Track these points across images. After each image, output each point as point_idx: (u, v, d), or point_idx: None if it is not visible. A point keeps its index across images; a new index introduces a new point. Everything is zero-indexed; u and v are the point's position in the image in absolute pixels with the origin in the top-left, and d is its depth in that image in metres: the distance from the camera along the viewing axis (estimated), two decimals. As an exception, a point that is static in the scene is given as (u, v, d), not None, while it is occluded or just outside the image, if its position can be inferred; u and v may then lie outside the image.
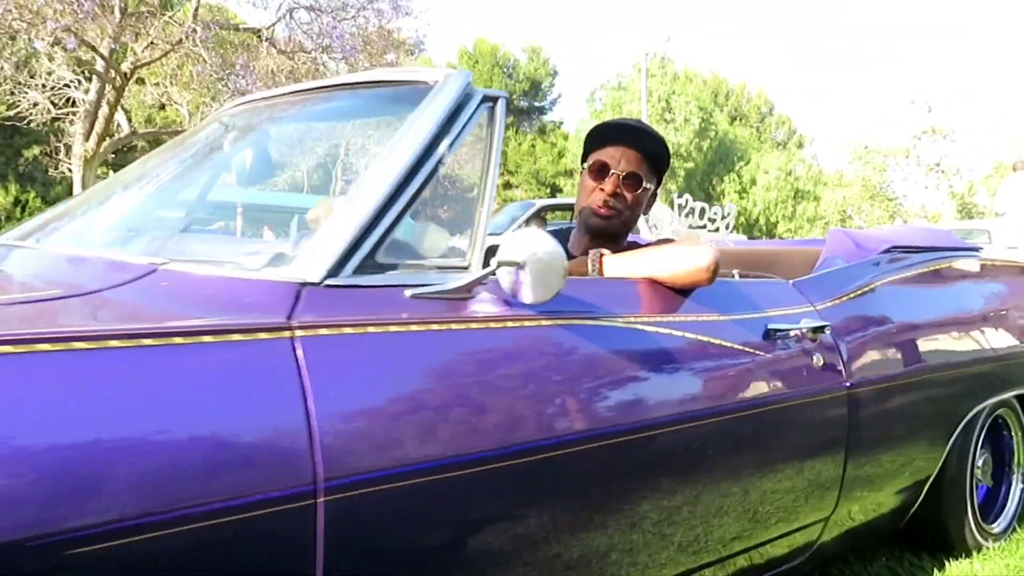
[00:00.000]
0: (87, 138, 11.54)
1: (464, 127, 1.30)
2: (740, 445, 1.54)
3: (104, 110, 11.55)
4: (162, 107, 16.26)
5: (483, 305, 1.24)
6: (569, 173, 30.84)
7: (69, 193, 13.61)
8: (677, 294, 1.54)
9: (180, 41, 11.00)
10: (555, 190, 29.56)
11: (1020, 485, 2.46)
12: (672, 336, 1.46)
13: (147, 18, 11.16)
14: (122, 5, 10.67)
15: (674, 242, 1.72)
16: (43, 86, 12.11)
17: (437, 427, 1.09)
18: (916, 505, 2.10)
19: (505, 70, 33.67)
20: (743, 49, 67.39)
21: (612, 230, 1.79)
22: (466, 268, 1.24)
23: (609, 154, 1.77)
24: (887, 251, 2.15)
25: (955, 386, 2.13)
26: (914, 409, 1.99)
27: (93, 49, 10.82)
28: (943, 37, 66.00)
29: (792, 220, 30.86)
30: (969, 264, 2.42)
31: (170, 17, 11.33)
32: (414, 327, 1.15)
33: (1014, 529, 2.41)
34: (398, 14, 13.00)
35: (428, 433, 1.08)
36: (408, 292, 1.18)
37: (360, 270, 1.15)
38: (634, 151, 1.77)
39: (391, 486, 1.01)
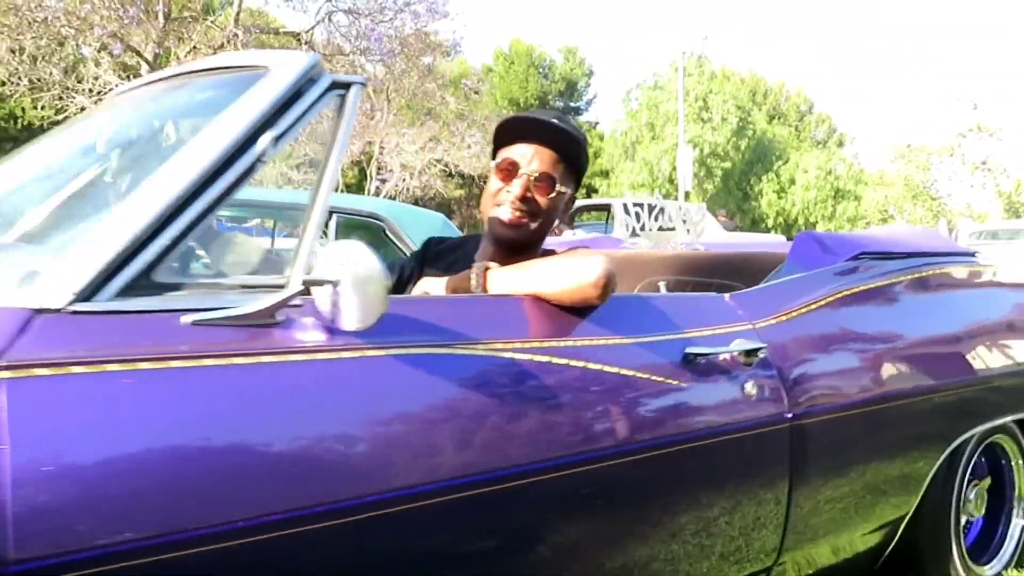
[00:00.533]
0: (132, 141, 11.80)
1: (301, 118, 1.08)
2: (639, 493, 1.30)
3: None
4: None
5: (293, 333, 1.01)
6: (605, 173, 30.74)
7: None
8: (570, 314, 1.29)
9: (222, 45, 11.21)
10: (590, 191, 29.48)
11: (1020, 521, 2.13)
12: (552, 365, 1.21)
13: (190, 23, 11.41)
14: (166, 11, 10.91)
15: (570, 253, 1.48)
16: (89, 91, 12.43)
17: (174, 495, 0.86)
18: (891, 546, 1.86)
19: (541, 71, 33.67)
20: (781, 49, 66.67)
21: (521, 240, 1.54)
22: (282, 287, 0.99)
23: (520, 152, 1.53)
24: (856, 257, 1.86)
25: (936, 412, 1.84)
26: (881, 440, 1.72)
27: (138, 54, 11.09)
28: (987, 38, 64.52)
29: (832, 220, 30.38)
30: (964, 272, 2.13)
31: (212, 22, 11.55)
32: (177, 363, 0.91)
33: (1009, 571, 2.09)
34: (435, 16, 13.12)
35: (153, 504, 0.85)
36: (186, 319, 0.95)
37: (128, 292, 0.93)
38: (549, 150, 1.53)
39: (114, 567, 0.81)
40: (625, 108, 31.02)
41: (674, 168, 17.98)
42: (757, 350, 1.48)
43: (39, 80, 11.67)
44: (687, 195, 16.48)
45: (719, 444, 1.40)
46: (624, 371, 1.29)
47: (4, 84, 11.78)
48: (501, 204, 1.52)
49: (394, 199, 13.17)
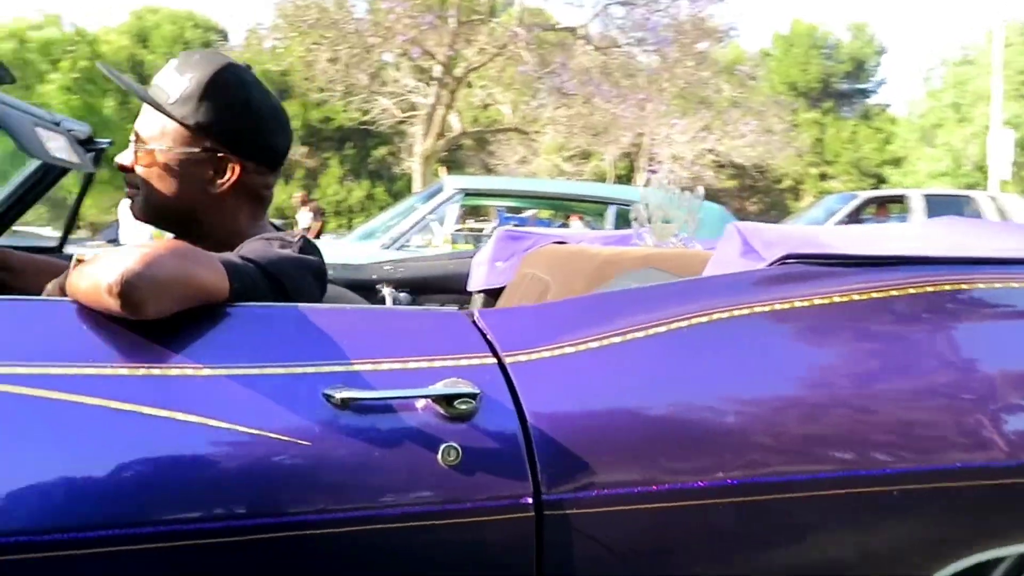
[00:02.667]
0: (425, 138, 12.90)
1: None
2: None
3: (440, 112, 12.81)
4: (486, 107, 17.65)
5: None
6: (897, 162, 27.87)
7: (409, 188, 15.34)
8: (134, 329, 0.88)
9: (505, 45, 11.81)
10: (880, 180, 26.90)
11: None
12: (57, 403, 0.83)
13: (478, 25, 12.16)
14: (457, 15, 11.73)
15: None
16: (391, 93, 13.79)
17: None
18: None
19: (824, 52, 31.36)
20: None
21: (148, 219, 1.20)
22: None
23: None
24: (780, 261, 1.20)
25: (884, 513, 1.06)
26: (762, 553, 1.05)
27: (432, 57, 12.05)
28: None
29: None
30: (990, 292, 1.24)
31: (497, 23, 12.21)
32: None
33: None
34: (711, 1, 12.72)
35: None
36: None
37: None
38: (145, 103, 1.16)
39: None
40: (926, 88, 27.83)
41: (986, 154, 15.77)
42: (469, 396, 0.93)
43: (351, 86, 13.17)
44: (1003, 185, 14.36)
45: (372, 534, 0.90)
46: (193, 418, 0.86)
47: (323, 90, 13.45)
48: None
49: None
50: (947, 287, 1.19)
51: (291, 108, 24.46)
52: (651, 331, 1.05)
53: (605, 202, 5.01)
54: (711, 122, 17.24)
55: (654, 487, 0.98)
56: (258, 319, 0.98)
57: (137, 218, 1.21)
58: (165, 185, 1.14)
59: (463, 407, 0.94)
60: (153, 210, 1.17)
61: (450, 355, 0.98)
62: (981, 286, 1.23)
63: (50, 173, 1.83)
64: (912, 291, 1.18)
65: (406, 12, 11.21)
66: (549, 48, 12.94)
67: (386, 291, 1.91)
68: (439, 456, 0.91)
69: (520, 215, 10.71)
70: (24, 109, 1.67)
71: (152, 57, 24.67)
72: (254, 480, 0.87)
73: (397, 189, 22.51)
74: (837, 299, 1.13)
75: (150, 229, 8.74)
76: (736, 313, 1.09)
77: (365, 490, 0.91)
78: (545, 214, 11.22)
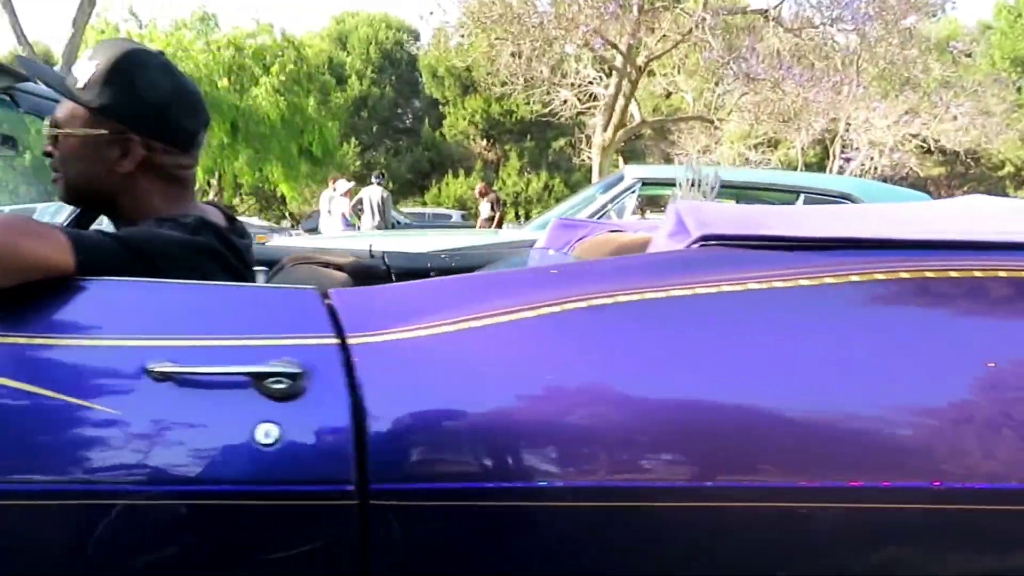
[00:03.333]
0: (605, 129, 12.82)
1: None
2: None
3: (620, 102, 12.68)
4: (668, 95, 17.26)
5: None
6: None
7: (588, 180, 15.34)
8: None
9: (690, 31, 11.47)
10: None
11: None
12: None
13: (660, 12, 11.88)
14: (640, 3, 11.52)
15: None
16: (571, 84, 13.83)
17: None
18: None
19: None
20: None
21: (70, 200, 1.27)
22: None
23: None
24: (698, 243, 1.06)
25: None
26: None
27: (614, 47, 11.93)
28: None
29: None
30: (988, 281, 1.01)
31: (681, 9, 11.87)
32: None
33: None
34: (922, -29, 11.65)
35: None
36: None
37: None
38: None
39: None
40: None
41: None
42: (289, 376, 0.90)
43: (532, 78, 13.35)
44: None
45: (185, 507, 0.90)
46: (26, 386, 0.88)
47: (505, 84, 13.73)
48: None
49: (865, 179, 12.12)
50: (904, 274, 0.98)
51: (474, 103, 25.24)
52: (516, 316, 0.95)
53: (792, 191, 4.72)
54: (917, 104, 15.82)
55: (489, 484, 0.90)
56: (97, 293, 0.97)
57: (61, 199, 1.27)
58: (78, 167, 1.19)
59: (282, 387, 0.90)
60: (72, 192, 1.22)
61: (289, 334, 0.94)
62: (953, 275, 0.99)
63: None
64: (855, 278, 0.98)
65: (588, 3, 11.16)
66: (736, 32, 12.41)
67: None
68: (255, 435, 0.88)
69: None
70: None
71: (349, 58, 26.37)
72: (72, 447, 0.88)
73: (575, 180, 22.60)
74: (753, 286, 0.97)
75: (340, 219, 9.36)
76: (621, 299, 0.96)
77: (178, 463, 0.89)
78: (728, 204, 10.82)
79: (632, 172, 4.81)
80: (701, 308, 0.97)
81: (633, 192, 4.81)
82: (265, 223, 18.86)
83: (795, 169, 17.32)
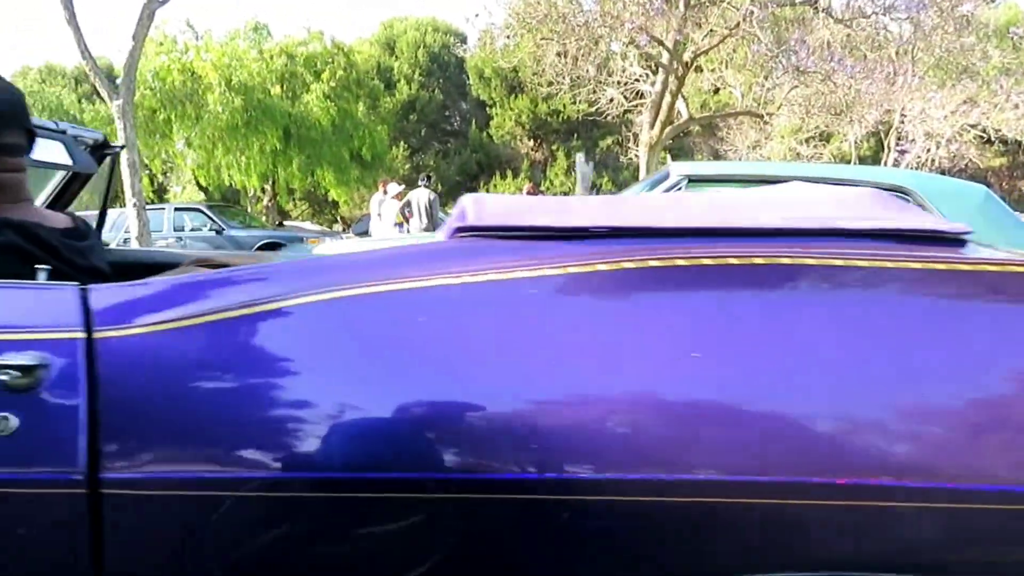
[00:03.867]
0: (652, 126, 12.75)
1: None
2: None
3: (667, 99, 12.60)
4: (716, 91, 17.08)
5: None
6: None
7: (635, 178, 15.28)
8: None
9: (737, 25, 11.34)
10: None
11: None
12: None
13: (707, 7, 11.78)
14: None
15: None
16: (618, 83, 13.79)
17: None
18: None
19: None
20: None
21: None
22: None
23: None
24: (456, 234, 1.08)
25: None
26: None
27: (660, 43, 11.87)
28: None
29: None
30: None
31: (728, 3, 11.75)
32: None
33: None
34: (978, -44, 11.32)
35: None
36: None
37: None
38: None
39: None
40: None
41: None
42: (26, 368, 0.93)
43: (578, 78, 13.35)
44: None
45: None
46: None
47: (551, 84, 13.77)
48: None
49: (919, 172, 11.83)
50: (653, 262, 0.97)
51: (520, 103, 25.30)
52: (258, 309, 0.97)
53: (844, 184, 4.67)
54: (976, 93, 15.35)
55: (221, 473, 0.93)
56: None
57: None
58: None
59: (16, 379, 0.93)
60: None
61: (36, 328, 0.98)
62: (706, 262, 0.97)
63: (76, 178, 2.08)
64: (603, 267, 0.97)
65: (634, 0, 11.13)
66: (785, 24, 12.22)
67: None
68: None
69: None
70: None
71: (397, 63, 26.68)
72: None
73: (623, 179, 22.50)
74: (495, 276, 0.98)
75: (390, 222, 9.49)
76: (365, 290, 0.97)
77: None
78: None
79: (678, 169, 4.81)
80: (440, 298, 0.98)
81: (679, 188, 4.82)
82: (317, 227, 19.24)
83: (849, 163, 16.98)
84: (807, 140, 18.21)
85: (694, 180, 4.93)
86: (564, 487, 0.91)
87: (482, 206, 1.14)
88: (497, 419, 0.92)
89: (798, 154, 17.98)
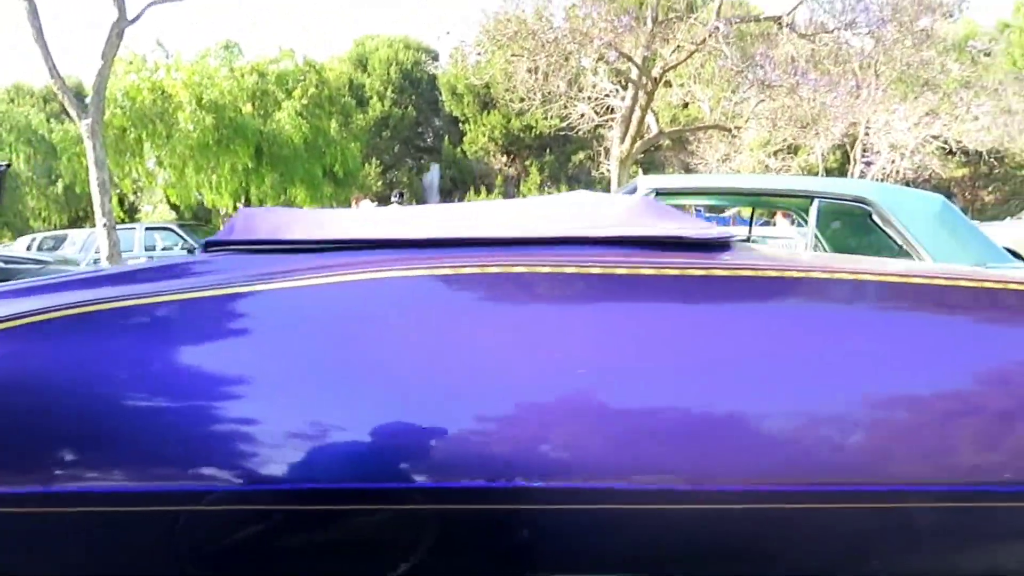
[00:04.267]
0: (622, 140, 12.91)
1: None
2: None
3: (637, 114, 12.77)
4: (685, 105, 17.33)
5: None
6: None
7: (607, 191, 15.42)
8: None
9: (703, 41, 11.55)
10: None
11: None
12: None
13: (675, 23, 11.99)
14: (654, 15, 11.64)
15: None
16: (588, 98, 13.95)
17: None
18: None
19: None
20: None
21: None
22: None
23: None
24: (207, 248, 1.17)
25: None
26: None
27: (629, 59, 12.05)
28: None
29: None
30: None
31: (695, 19, 11.97)
32: None
33: None
34: (935, -27, 11.64)
35: None
36: None
37: None
38: None
39: None
40: None
41: None
42: None
43: (549, 93, 13.49)
44: None
45: None
46: None
47: (523, 100, 13.89)
48: None
49: (882, 183, 12.10)
50: (373, 274, 0.99)
51: (493, 119, 25.44)
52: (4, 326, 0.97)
53: (809, 196, 4.78)
54: (937, 106, 15.73)
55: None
56: None
57: None
58: None
59: None
60: None
61: None
62: (445, 272, 1.00)
63: None
64: (355, 276, 0.99)
65: (603, 16, 11.30)
66: (751, 40, 12.47)
67: None
68: None
69: (721, 215, 10.38)
70: None
71: (370, 80, 26.73)
72: None
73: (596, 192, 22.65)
74: (235, 290, 0.99)
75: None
76: (104, 307, 0.99)
77: None
78: (748, 212, 10.81)
79: (646, 183, 4.90)
80: (186, 310, 0.99)
81: (648, 201, 4.91)
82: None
83: (816, 175, 17.29)
84: (775, 153, 18.51)
85: (662, 193, 5.03)
86: (252, 497, 0.91)
87: (250, 221, 1.18)
88: (224, 430, 0.93)
89: (767, 167, 18.27)
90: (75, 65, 33.47)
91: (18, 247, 12.28)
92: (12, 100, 20.66)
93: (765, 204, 7.83)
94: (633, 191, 4.96)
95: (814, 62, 12.13)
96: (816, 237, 4.26)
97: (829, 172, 19.19)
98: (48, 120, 18.56)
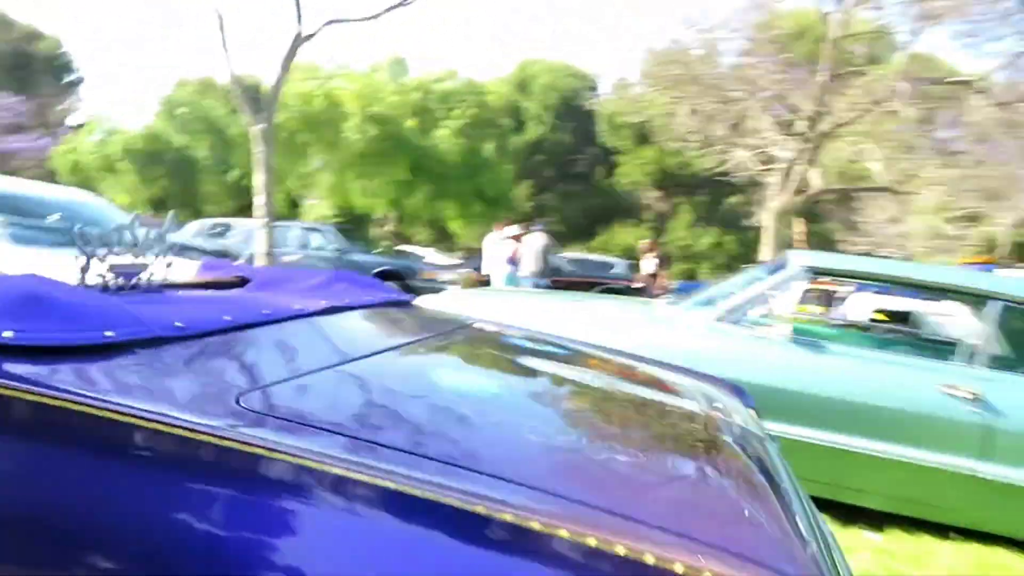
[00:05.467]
0: (781, 192, 12.30)
1: None
2: None
3: (799, 168, 12.13)
4: (853, 161, 16.33)
5: None
6: None
7: (757, 240, 14.77)
8: None
9: (880, 101, 10.81)
10: None
11: None
12: None
13: (850, 78, 11.29)
14: (830, 68, 11.01)
15: None
16: (749, 145, 13.41)
17: None
18: None
19: None
20: None
21: None
22: None
23: None
24: None
25: None
26: None
27: (796, 112, 11.47)
28: None
29: None
30: None
31: (875, 75, 11.23)
32: None
33: None
34: None
35: None
36: None
37: None
38: None
39: None
40: None
41: None
42: None
43: (708, 136, 13.08)
44: None
45: None
46: None
47: (683, 140, 13.57)
48: None
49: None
50: None
51: (648, 153, 25.10)
52: None
53: (985, 296, 4.24)
54: None
55: None
56: None
57: None
58: None
59: None
60: None
61: None
62: None
63: None
64: None
65: (774, 68, 10.82)
66: (935, 101, 11.54)
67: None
68: None
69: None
70: None
71: (529, 104, 27.11)
72: None
73: (747, 239, 21.81)
74: None
75: (503, 261, 9.54)
76: None
77: None
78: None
79: (798, 260, 4.53)
80: None
81: (798, 280, 4.53)
82: (439, 255, 19.61)
83: (994, 250, 15.75)
84: (953, 219, 17.07)
85: (817, 272, 4.61)
86: None
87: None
88: None
89: (940, 233, 16.87)
90: (256, 63, 36.01)
91: (188, 231, 13.16)
92: (200, 93, 22.35)
93: (933, 296, 7.03)
94: (782, 267, 4.59)
95: (1009, 129, 11.06)
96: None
97: (1020, 247, 17.46)
98: (233, 112, 19.94)
